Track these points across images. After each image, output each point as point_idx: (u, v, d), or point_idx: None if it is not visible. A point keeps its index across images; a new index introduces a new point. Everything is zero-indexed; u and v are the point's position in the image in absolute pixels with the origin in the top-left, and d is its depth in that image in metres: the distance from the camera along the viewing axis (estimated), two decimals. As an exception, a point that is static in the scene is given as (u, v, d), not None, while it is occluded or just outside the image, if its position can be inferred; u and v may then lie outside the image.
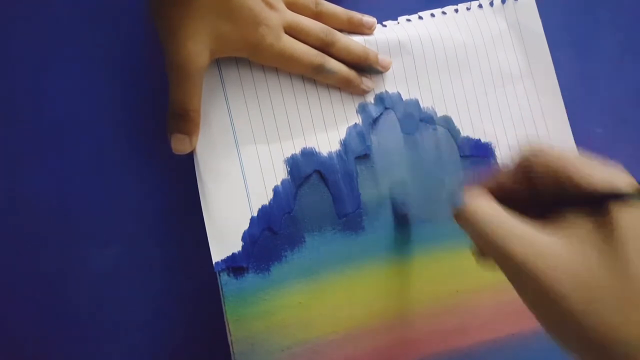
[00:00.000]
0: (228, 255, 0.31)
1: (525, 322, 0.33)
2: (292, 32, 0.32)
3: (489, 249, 0.22)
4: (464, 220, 0.23)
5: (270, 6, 0.31)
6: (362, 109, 0.34)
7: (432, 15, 0.36)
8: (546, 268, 0.20)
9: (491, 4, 0.36)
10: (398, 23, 0.35)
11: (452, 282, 0.33)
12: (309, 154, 0.33)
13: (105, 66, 0.35)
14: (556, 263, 0.20)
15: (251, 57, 0.32)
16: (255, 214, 0.32)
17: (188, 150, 0.31)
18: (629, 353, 0.18)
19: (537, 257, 0.20)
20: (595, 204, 0.20)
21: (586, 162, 0.21)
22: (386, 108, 0.34)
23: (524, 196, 0.23)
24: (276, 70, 0.33)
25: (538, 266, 0.20)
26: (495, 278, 0.33)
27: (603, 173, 0.21)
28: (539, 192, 0.22)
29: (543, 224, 0.21)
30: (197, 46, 0.29)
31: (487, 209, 0.22)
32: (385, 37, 0.34)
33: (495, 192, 0.24)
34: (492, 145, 0.35)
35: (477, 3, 0.36)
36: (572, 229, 0.21)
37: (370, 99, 0.34)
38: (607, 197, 0.20)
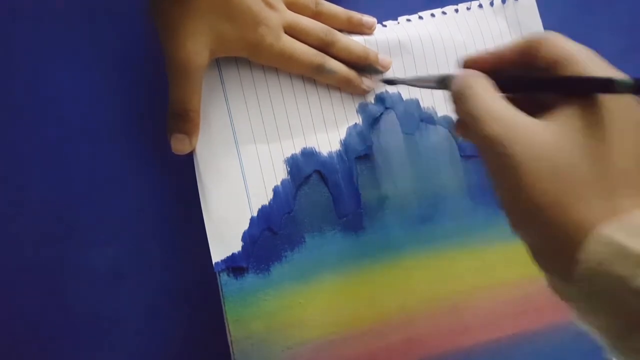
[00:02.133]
0: (228, 255, 0.31)
1: (526, 322, 0.33)
2: (292, 32, 0.32)
3: (471, 125, 0.22)
4: (455, 96, 0.23)
5: (270, 6, 0.31)
6: (363, 109, 0.34)
7: (432, 15, 0.36)
8: (518, 144, 0.20)
9: (491, 4, 0.36)
10: (398, 23, 0.35)
11: (452, 282, 0.33)
12: (309, 154, 0.33)
13: (105, 65, 0.35)
14: (530, 140, 0.20)
15: (251, 57, 0.32)
16: (255, 214, 0.32)
17: (188, 151, 0.31)
18: (594, 250, 0.18)
19: (515, 137, 0.20)
20: (588, 92, 0.20)
21: (591, 56, 0.21)
22: (386, 108, 0.34)
23: (522, 83, 0.23)
24: (276, 70, 0.33)
25: (509, 142, 0.20)
26: (495, 278, 0.34)
27: (605, 70, 0.21)
28: (538, 80, 0.22)
29: (534, 112, 0.21)
30: (197, 46, 0.29)
31: (479, 87, 0.22)
32: (385, 37, 0.34)
33: (494, 74, 0.24)
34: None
35: (477, 3, 0.36)
36: (559, 113, 0.20)
37: (371, 98, 0.34)
38: (601, 85, 0.20)
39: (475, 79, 0.23)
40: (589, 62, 0.21)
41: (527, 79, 0.23)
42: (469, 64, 0.25)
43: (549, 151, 0.19)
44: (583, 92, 0.20)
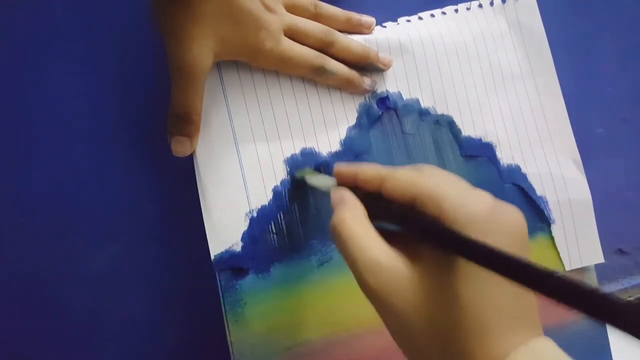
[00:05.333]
0: (228, 255, 0.31)
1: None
2: (292, 34, 0.32)
3: (348, 264, 0.22)
4: (331, 231, 0.24)
5: (270, 9, 0.31)
6: (363, 109, 0.34)
7: (432, 15, 0.36)
8: (392, 296, 0.21)
9: (491, 3, 0.36)
10: (398, 24, 0.35)
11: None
12: (309, 154, 0.33)
13: (105, 66, 0.35)
14: (401, 290, 0.20)
15: (252, 61, 0.32)
16: (255, 214, 0.32)
17: (188, 153, 0.31)
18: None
19: (384, 284, 0.21)
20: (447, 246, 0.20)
21: (455, 200, 0.21)
22: (387, 108, 0.34)
23: (389, 215, 0.23)
24: (276, 70, 0.33)
25: (384, 294, 0.21)
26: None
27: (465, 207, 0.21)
28: (393, 206, 0.23)
29: (397, 241, 0.22)
30: (202, 49, 0.29)
31: (349, 222, 0.23)
32: (385, 36, 0.34)
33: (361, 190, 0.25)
34: (494, 144, 0.35)
35: (477, 3, 0.36)
36: (422, 251, 0.21)
37: (371, 98, 0.34)
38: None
39: (346, 209, 0.23)
40: (447, 199, 0.21)
41: (390, 214, 0.23)
42: (339, 177, 0.27)
43: (419, 302, 0.20)
44: (445, 247, 0.20)
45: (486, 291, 0.19)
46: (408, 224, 0.22)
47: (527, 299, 0.20)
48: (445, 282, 0.20)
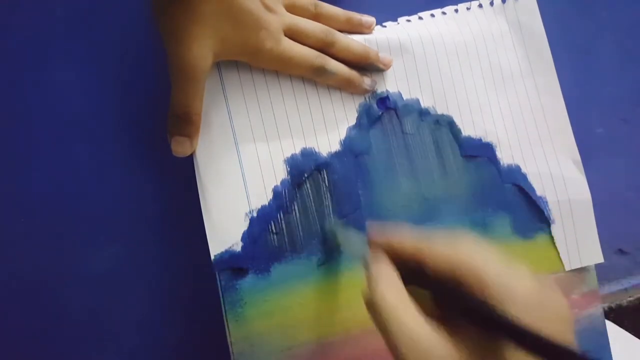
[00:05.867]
0: (228, 255, 0.31)
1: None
2: (292, 34, 0.32)
3: (385, 337, 0.22)
4: (368, 307, 0.23)
5: (270, 9, 0.31)
6: (363, 109, 0.34)
7: (432, 15, 0.36)
8: None
9: (491, 3, 0.36)
10: (398, 24, 0.35)
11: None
12: (308, 154, 0.33)
13: (105, 66, 0.35)
14: None
15: (252, 62, 0.32)
16: (255, 214, 0.32)
17: (188, 153, 0.31)
18: None
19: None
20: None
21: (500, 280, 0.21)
22: (387, 107, 0.34)
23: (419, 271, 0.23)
24: (276, 70, 0.33)
25: None
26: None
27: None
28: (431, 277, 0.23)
29: (437, 316, 0.22)
30: (202, 50, 0.29)
31: (390, 300, 0.22)
32: (385, 36, 0.34)
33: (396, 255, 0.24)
34: (494, 144, 0.35)
35: (477, 3, 0.36)
36: (460, 333, 0.21)
37: (371, 98, 0.34)
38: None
39: (384, 280, 0.23)
40: (489, 275, 0.21)
41: (434, 286, 0.23)
42: (373, 242, 0.26)
43: None
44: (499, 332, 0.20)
45: None
46: (450, 301, 0.22)
47: None
48: None
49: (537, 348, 0.18)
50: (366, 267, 0.24)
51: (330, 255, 0.32)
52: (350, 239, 0.30)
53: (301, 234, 0.32)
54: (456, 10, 0.36)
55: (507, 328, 0.19)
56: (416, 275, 0.23)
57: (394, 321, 0.22)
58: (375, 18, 0.35)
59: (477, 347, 0.20)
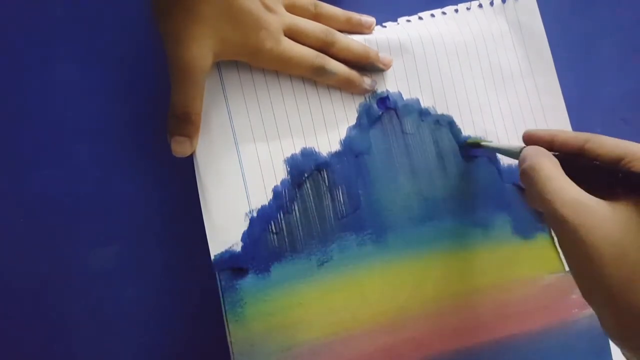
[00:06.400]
0: (228, 255, 0.31)
1: (528, 322, 0.33)
2: (292, 34, 0.32)
3: (541, 206, 0.23)
4: (525, 175, 0.25)
5: (270, 9, 0.31)
6: (363, 109, 0.34)
7: (432, 15, 0.36)
8: (590, 229, 0.21)
9: (491, 3, 0.36)
10: (398, 24, 0.35)
11: (453, 283, 0.33)
12: (309, 154, 0.33)
13: (105, 66, 0.35)
14: (600, 225, 0.21)
15: (252, 62, 0.32)
16: (255, 214, 0.32)
17: (188, 153, 0.31)
18: None
19: (585, 222, 0.21)
20: None
21: None
22: (387, 107, 0.34)
23: (587, 171, 0.24)
24: (276, 70, 0.33)
25: (582, 228, 0.21)
26: (497, 279, 0.34)
27: None
28: (607, 172, 0.24)
29: (595, 194, 0.23)
30: (202, 50, 0.29)
31: (547, 168, 0.24)
32: (385, 36, 0.34)
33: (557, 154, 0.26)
34: (493, 144, 0.35)
35: (477, 3, 0.36)
36: (623, 201, 0.22)
37: (371, 98, 0.34)
38: None
39: (544, 158, 0.25)
40: None
41: (597, 169, 0.24)
42: (533, 139, 0.28)
43: (618, 237, 0.21)
44: None
45: None
46: (616, 178, 0.23)
47: None
48: None
49: None
50: (524, 156, 0.26)
51: (330, 255, 0.32)
52: (500, 145, 0.32)
53: (301, 234, 0.32)
54: (456, 10, 0.36)
55: None
56: (577, 168, 0.24)
57: (553, 182, 0.23)
58: (375, 18, 0.35)
59: (633, 206, 0.21)
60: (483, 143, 0.33)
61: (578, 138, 0.26)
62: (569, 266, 0.23)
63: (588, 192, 0.23)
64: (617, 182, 0.23)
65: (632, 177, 0.22)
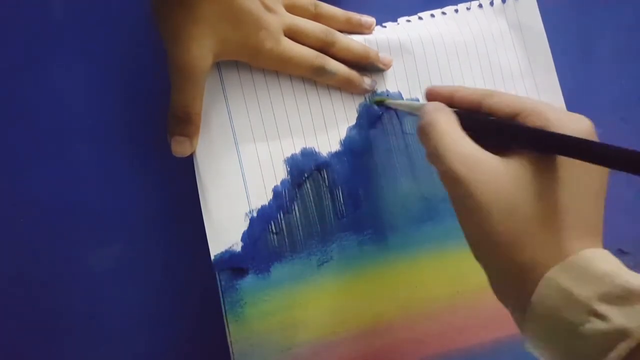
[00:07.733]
0: (228, 255, 0.31)
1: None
2: (292, 34, 0.32)
3: (435, 160, 0.23)
4: (421, 130, 0.24)
5: (270, 10, 0.31)
6: (363, 109, 0.34)
7: (432, 15, 0.36)
8: (480, 184, 0.21)
9: (491, 3, 0.36)
10: (398, 24, 0.35)
11: (453, 283, 0.33)
12: (309, 154, 0.33)
13: (105, 66, 0.35)
14: (491, 180, 0.21)
15: (252, 62, 0.32)
16: (255, 214, 0.32)
17: (188, 153, 0.31)
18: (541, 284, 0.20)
19: (476, 178, 0.21)
20: (553, 150, 0.21)
21: (556, 113, 0.22)
22: (387, 107, 0.34)
23: (485, 126, 0.24)
24: (276, 70, 0.33)
25: (472, 182, 0.21)
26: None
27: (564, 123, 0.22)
28: (503, 127, 0.23)
29: (489, 147, 0.22)
30: (202, 50, 0.29)
31: (443, 123, 0.24)
32: (385, 36, 0.34)
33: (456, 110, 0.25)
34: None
35: (477, 3, 0.36)
36: (517, 157, 0.22)
37: (371, 98, 0.34)
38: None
39: (441, 114, 0.24)
40: (551, 113, 0.22)
41: (493, 123, 0.24)
42: (433, 95, 0.27)
43: (508, 193, 0.21)
44: (548, 149, 0.21)
45: (574, 195, 0.21)
46: (511, 132, 0.23)
47: (600, 215, 0.22)
48: (538, 179, 0.21)
49: (592, 154, 0.19)
50: (422, 112, 0.25)
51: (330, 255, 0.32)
52: (402, 101, 0.32)
53: (301, 234, 0.32)
54: (456, 11, 0.36)
55: (568, 145, 0.20)
56: (474, 122, 0.24)
57: (447, 137, 0.23)
58: (375, 18, 0.35)
59: (530, 167, 0.21)
60: (387, 101, 0.33)
61: (476, 94, 0.25)
62: (460, 223, 0.23)
63: (486, 149, 0.22)
64: (512, 138, 0.22)
65: (526, 131, 0.22)
